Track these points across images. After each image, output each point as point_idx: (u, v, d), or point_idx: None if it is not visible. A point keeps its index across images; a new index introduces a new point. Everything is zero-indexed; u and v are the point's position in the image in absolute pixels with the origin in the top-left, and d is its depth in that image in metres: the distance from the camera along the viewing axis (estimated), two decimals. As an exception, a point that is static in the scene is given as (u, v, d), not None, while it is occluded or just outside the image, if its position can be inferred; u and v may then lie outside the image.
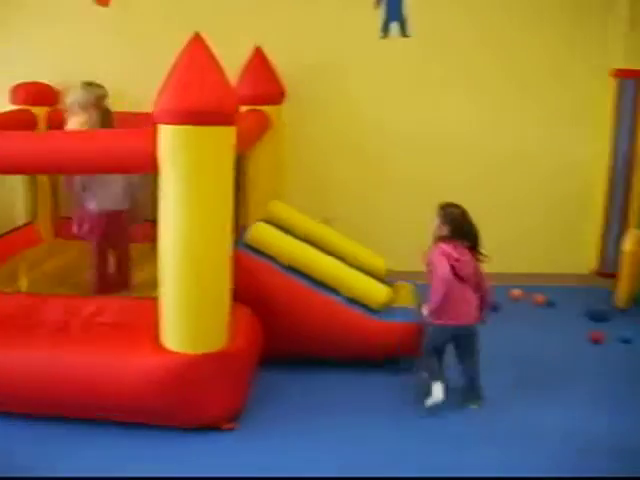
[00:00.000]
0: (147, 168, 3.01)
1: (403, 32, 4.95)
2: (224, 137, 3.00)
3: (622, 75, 4.92)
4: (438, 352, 3.54)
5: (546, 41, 5.00)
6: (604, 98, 5.02)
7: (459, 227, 3.44)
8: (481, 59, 5.03)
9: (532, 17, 4.98)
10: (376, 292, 3.87)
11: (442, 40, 4.98)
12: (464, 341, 3.49)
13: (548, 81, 5.05)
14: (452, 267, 3.37)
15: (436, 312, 3.43)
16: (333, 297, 3.77)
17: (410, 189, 5.09)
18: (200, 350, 3.09)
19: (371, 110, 5.09)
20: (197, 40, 2.97)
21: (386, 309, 3.85)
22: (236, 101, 3.06)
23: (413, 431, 3.26)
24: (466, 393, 3.53)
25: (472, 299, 3.47)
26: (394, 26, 4.95)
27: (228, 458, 3.01)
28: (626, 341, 4.26)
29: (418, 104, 5.09)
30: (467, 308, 3.45)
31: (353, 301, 3.80)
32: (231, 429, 3.20)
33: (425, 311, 3.49)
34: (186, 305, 3.06)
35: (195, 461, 2.98)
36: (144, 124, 3.06)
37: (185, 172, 2.92)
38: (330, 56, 4.99)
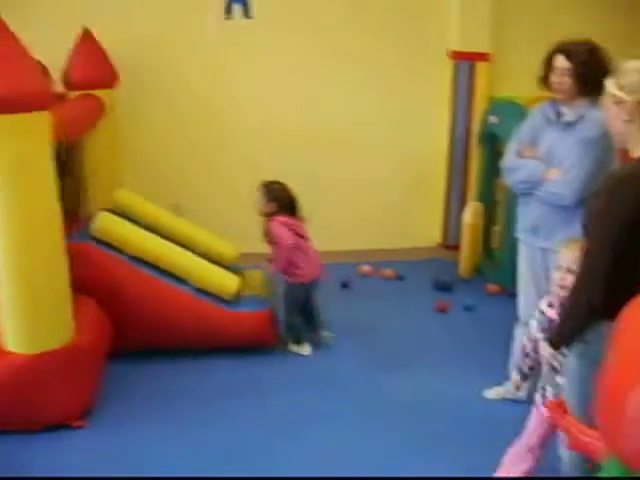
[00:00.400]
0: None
1: (246, 14, 4.92)
2: (34, 124, 2.78)
3: (458, 57, 5.16)
4: (298, 310, 3.95)
5: (388, 24, 5.13)
6: (443, 79, 5.25)
7: (284, 201, 3.85)
8: (322, 42, 5.08)
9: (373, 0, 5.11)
10: (226, 282, 3.86)
11: (285, 22, 4.99)
12: (314, 290, 3.96)
13: (393, 64, 5.20)
14: (294, 232, 3.80)
15: (291, 272, 3.83)
16: (182, 288, 3.73)
17: (257, 172, 5.06)
18: (40, 349, 2.96)
19: (214, 92, 5.02)
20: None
21: (236, 298, 3.86)
22: (43, 84, 2.84)
23: (265, 412, 3.30)
24: (316, 337, 3.97)
25: (316, 253, 3.93)
26: (237, 8, 4.91)
27: (78, 455, 2.93)
28: (468, 309, 4.52)
29: (262, 86, 5.08)
30: (317, 261, 3.92)
31: (202, 291, 3.77)
32: (81, 426, 3.11)
33: (272, 269, 3.91)
34: (19, 304, 2.91)
35: (45, 460, 2.88)
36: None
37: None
38: (172, 38, 4.86)
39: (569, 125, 3.01)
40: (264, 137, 5.14)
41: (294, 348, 3.92)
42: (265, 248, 3.93)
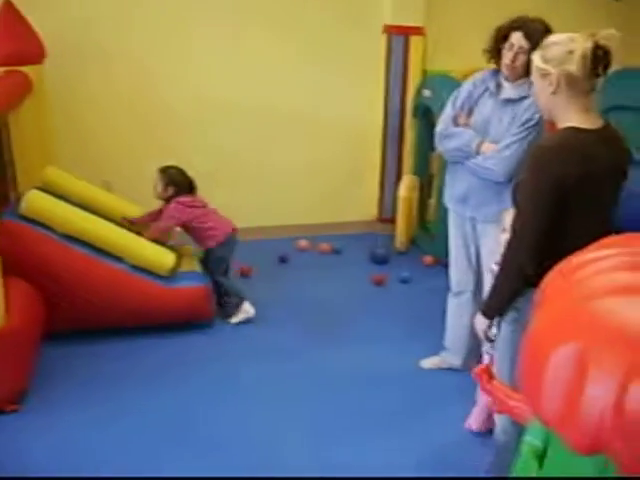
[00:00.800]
0: None
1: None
2: None
3: (392, 31, 5.17)
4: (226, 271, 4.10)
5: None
6: (377, 54, 5.25)
7: (182, 184, 3.98)
8: (254, 17, 5.00)
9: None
10: (162, 258, 3.80)
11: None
12: (233, 250, 4.08)
13: (326, 39, 5.16)
14: (194, 206, 3.94)
15: (208, 236, 3.96)
16: (117, 265, 3.66)
17: (194, 147, 5.01)
18: (-30, 333, 2.88)
19: (148, 64, 4.86)
20: None
21: (173, 274, 3.82)
22: None
23: (203, 387, 3.30)
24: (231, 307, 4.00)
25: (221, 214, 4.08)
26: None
27: (12, 440, 2.86)
28: (404, 281, 4.59)
29: (202, 60, 4.96)
30: (226, 219, 4.05)
31: (138, 269, 3.71)
32: (14, 411, 3.03)
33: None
34: None
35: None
36: None
37: None
38: (105, 9, 4.69)
39: (509, 102, 2.99)
40: (204, 112, 5.03)
41: (235, 319, 3.94)
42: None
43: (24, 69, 4.06)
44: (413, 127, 5.21)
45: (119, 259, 3.69)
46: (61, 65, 4.50)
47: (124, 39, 4.79)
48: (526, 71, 2.88)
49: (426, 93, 4.89)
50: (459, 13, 5.21)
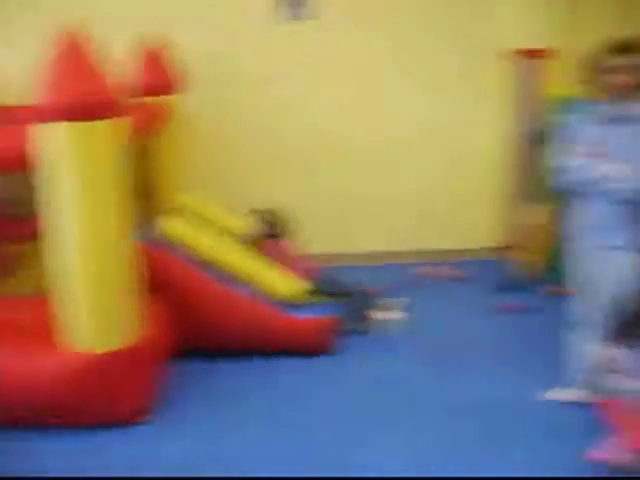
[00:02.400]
0: (21, 167, 2.91)
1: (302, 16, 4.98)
2: (107, 131, 2.87)
3: (521, 55, 5.05)
4: None
5: (446, 26, 5.13)
6: (498, 78, 5.16)
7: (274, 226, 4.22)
8: (375, 45, 5.12)
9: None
10: (285, 285, 3.86)
11: (346, 26, 5.06)
12: None
13: (449, 67, 5.18)
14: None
15: None
16: (243, 291, 3.76)
17: (326, 176, 5.19)
18: (105, 348, 3.03)
19: (279, 95, 5.08)
20: (69, 33, 2.80)
21: (297, 305, 3.87)
22: (116, 93, 2.93)
23: (317, 412, 3.32)
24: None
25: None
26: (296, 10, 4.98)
27: (144, 450, 3.03)
28: (526, 310, 4.44)
29: (326, 90, 5.14)
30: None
31: (262, 294, 3.80)
32: (145, 422, 3.20)
33: None
34: (86, 304, 2.98)
35: (111, 454, 3.00)
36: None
37: (68, 169, 2.82)
38: (234, 41, 4.96)
39: None
40: (332, 145, 5.21)
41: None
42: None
43: (163, 99, 4.35)
44: (538, 153, 5.04)
45: (245, 285, 3.78)
46: (198, 95, 4.78)
47: (259, 71, 5.02)
48: None
49: (555, 118, 4.73)
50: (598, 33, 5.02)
